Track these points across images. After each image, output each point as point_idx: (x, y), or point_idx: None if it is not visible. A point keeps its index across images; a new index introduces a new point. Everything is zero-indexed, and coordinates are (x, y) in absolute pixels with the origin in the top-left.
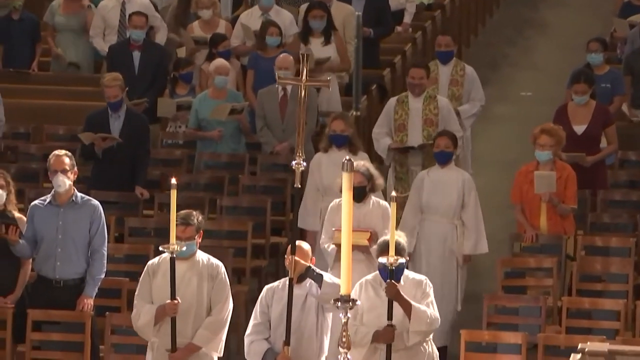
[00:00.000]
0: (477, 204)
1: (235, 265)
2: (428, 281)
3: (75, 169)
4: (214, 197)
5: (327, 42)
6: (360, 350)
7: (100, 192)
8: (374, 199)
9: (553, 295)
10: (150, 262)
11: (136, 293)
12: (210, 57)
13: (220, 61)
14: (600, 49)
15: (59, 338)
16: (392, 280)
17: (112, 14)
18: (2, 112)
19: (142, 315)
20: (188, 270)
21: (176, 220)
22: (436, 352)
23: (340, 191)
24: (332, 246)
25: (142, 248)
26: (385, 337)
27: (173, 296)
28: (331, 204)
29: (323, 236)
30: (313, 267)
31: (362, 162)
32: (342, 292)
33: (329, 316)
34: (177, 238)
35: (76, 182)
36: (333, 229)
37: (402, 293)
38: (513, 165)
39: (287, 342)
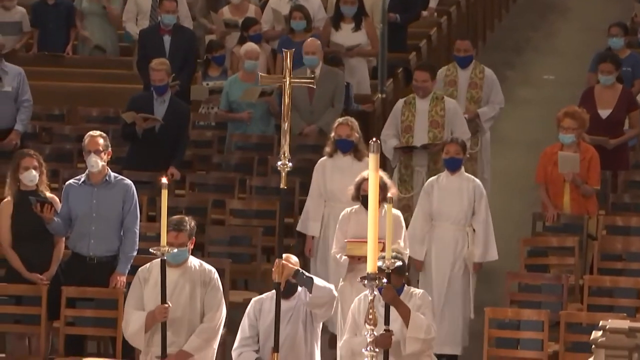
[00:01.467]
0: (488, 211)
1: (264, 244)
2: (426, 295)
3: (109, 149)
4: (244, 177)
5: (357, 27)
6: None
7: (132, 172)
8: (386, 208)
9: (575, 274)
10: (140, 269)
11: (126, 300)
12: (241, 41)
13: (250, 45)
14: (621, 34)
15: (92, 314)
16: (389, 284)
17: None
18: (29, 92)
19: (131, 322)
20: (180, 277)
21: (168, 227)
22: None
23: (352, 199)
24: (344, 257)
25: None
26: (383, 342)
27: (164, 300)
28: (342, 214)
29: (335, 246)
30: (302, 270)
31: None
32: (369, 270)
33: (319, 326)
34: (169, 244)
35: (110, 162)
36: (345, 240)
37: (399, 297)
38: (536, 147)
39: (276, 349)
